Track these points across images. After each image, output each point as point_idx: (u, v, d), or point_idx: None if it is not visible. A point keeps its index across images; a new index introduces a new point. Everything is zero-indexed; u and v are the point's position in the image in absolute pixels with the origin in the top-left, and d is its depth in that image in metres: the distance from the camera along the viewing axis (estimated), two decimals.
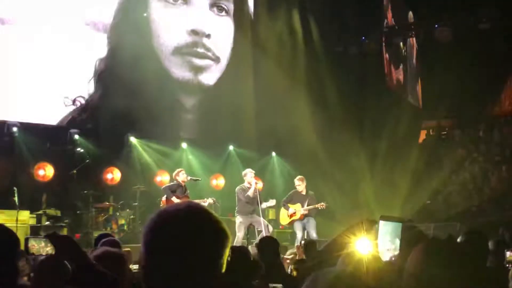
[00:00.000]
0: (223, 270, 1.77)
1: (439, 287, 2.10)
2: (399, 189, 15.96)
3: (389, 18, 20.53)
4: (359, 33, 18.29)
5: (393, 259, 2.37)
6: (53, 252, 2.63)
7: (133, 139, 14.60)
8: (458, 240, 4.35)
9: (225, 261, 1.77)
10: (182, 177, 11.74)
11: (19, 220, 10.96)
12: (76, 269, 2.63)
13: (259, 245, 6.04)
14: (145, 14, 15.24)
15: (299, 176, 12.44)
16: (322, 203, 12.05)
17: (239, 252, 4.22)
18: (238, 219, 11.71)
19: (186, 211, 1.75)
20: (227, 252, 1.78)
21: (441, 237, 2.48)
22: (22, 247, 2.74)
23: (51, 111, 13.76)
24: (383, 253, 2.36)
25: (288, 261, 6.74)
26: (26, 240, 2.65)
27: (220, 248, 1.75)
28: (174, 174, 11.89)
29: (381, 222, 2.36)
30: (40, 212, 12.21)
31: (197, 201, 11.64)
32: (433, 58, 18.39)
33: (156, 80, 14.72)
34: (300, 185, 12.21)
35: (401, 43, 19.77)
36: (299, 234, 12.00)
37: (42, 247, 2.64)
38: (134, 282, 3.49)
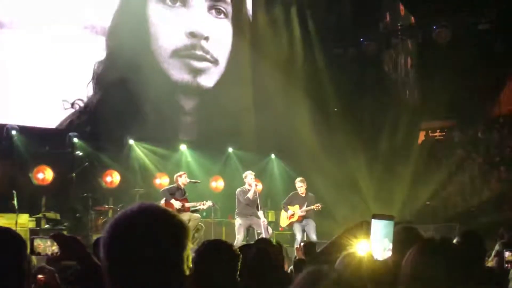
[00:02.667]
0: (190, 263, 1.78)
1: (436, 287, 2.10)
2: (398, 190, 15.96)
3: (388, 19, 20.55)
4: (358, 35, 18.30)
5: (386, 257, 2.36)
6: (59, 252, 2.62)
7: (132, 142, 14.59)
8: (455, 240, 4.34)
9: (190, 253, 1.78)
10: (183, 180, 11.74)
11: (19, 223, 10.96)
12: (81, 270, 2.62)
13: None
14: (149, 12, 15.24)
15: (300, 178, 12.44)
16: (317, 205, 12.06)
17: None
18: (238, 221, 11.71)
19: (139, 211, 1.77)
20: (189, 243, 1.78)
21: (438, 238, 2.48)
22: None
23: (50, 114, 13.76)
24: (375, 252, 2.35)
25: None
26: (32, 240, 2.65)
27: (180, 240, 1.76)
28: (176, 175, 11.88)
29: (373, 221, 2.35)
30: (40, 215, 12.20)
31: (196, 203, 11.72)
32: (432, 58, 18.39)
33: (154, 82, 14.74)
34: (301, 186, 12.21)
35: (400, 44, 19.77)
36: (298, 236, 12.02)
37: (48, 246, 2.63)
38: None
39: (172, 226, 1.77)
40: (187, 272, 1.77)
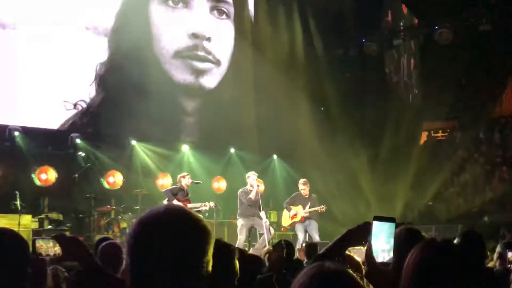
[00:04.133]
0: (210, 268, 1.79)
1: None
2: (400, 190, 15.96)
3: (389, 20, 20.53)
4: (359, 35, 18.30)
5: (387, 259, 2.37)
6: (61, 253, 2.64)
7: (134, 143, 14.60)
8: (455, 241, 4.36)
9: (211, 259, 1.79)
10: (186, 181, 11.76)
11: (21, 224, 10.98)
12: (82, 270, 2.64)
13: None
14: (151, 13, 15.26)
15: (304, 179, 12.47)
16: (322, 206, 12.11)
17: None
18: (240, 222, 11.73)
19: (165, 213, 1.78)
20: (211, 248, 1.80)
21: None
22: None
23: (52, 115, 13.78)
24: (377, 254, 2.36)
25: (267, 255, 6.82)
26: (34, 240, 2.66)
27: (202, 245, 1.77)
28: (179, 176, 11.89)
29: (375, 223, 2.36)
30: (42, 216, 12.23)
31: (198, 204, 11.73)
32: (434, 59, 18.40)
33: (157, 83, 14.76)
34: (304, 188, 12.25)
35: (401, 45, 19.75)
36: (300, 236, 12.06)
37: (50, 247, 2.65)
38: None
39: (196, 230, 1.78)
40: (206, 277, 1.78)
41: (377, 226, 2.41)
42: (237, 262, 3.26)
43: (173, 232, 1.74)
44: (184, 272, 1.73)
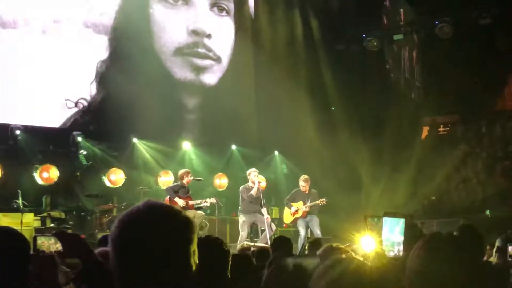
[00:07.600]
0: (196, 258, 1.81)
1: (440, 282, 2.11)
2: (402, 185, 15.93)
3: (387, 5, 20.45)
4: (360, 31, 18.26)
5: (396, 255, 2.39)
6: (62, 250, 2.65)
7: (135, 140, 14.62)
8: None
9: (196, 248, 1.82)
10: (188, 178, 11.81)
11: (24, 222, 11.00)
12: (83, 267, 2.64)
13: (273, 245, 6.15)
14: (151, 10, 15.27)
15: (305, 176, 12.46)
16: (322, 199, 12.13)
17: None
18: (241, 218, 11.77)
19: (145, 207, 1.83)
20: (195, 238, 1.82)
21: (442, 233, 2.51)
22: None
23: (54, 114, 13.81)
24: (387, 250, 2.38)
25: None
26: (34, 238, 2.67)
27: (185, 233, 1.80)
28: (182, 173, 11.92)
29: (385, 219, 2.38)
30: (45, 214, 12.25)
31: (199, 201, 11.79)
32: (435, 54, 18.34)
33: (157, 81, 14.78)
34: (305, 185, 12.26)
35: (402, 39, 19.70)
36: (302, 232, 12.08)
37: (52, 244, 2.65)
38: None
39: (178, 222, 1.81)
40: (194, 267, 1.80)
41: (387, 222, 2.44)
42: (229, 255, 3.27)
43: (156, 225, 1.77)
44: (171, 263, 1.75)
